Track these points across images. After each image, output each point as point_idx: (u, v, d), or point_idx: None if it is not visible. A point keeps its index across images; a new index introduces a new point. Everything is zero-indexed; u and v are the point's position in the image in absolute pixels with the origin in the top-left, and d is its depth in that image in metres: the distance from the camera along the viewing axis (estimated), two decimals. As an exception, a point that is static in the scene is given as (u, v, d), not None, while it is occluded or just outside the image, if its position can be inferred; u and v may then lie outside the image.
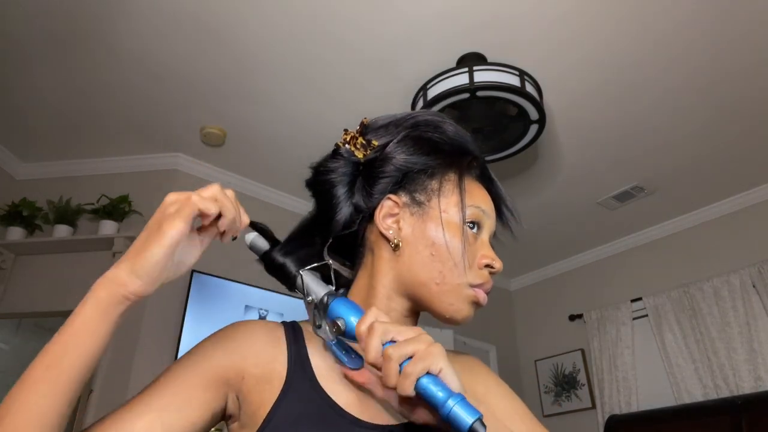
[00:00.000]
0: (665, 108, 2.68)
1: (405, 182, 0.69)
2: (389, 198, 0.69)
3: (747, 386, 3.03)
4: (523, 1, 2.11)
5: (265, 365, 0.64)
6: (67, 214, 2.78)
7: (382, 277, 0.68)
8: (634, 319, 3.68)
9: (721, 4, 2.13)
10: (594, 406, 3.71)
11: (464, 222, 0.67)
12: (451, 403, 0.51)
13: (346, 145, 0.70)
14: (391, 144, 0.69)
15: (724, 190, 3.37)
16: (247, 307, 2.78)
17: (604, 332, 3.77)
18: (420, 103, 2.35)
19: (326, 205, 0.70)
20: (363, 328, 0.55)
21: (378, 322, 0.56)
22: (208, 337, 0.67)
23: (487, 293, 0.68)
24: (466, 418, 0.50)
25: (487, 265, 0.68)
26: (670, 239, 3.71)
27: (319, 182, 0.71)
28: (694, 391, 3.25)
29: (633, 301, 3.71)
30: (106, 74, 2.45)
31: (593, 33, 2.26)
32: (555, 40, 2.29)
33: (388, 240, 0.68)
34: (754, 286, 3.20)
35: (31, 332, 2.70)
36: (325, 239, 0.71)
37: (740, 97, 2.61)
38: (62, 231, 2.74)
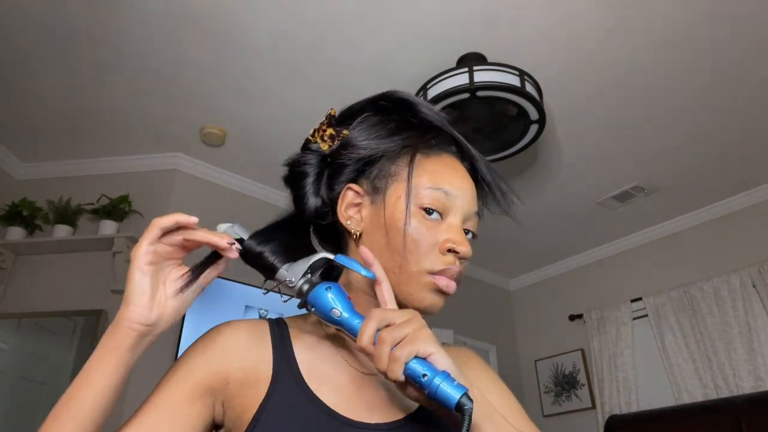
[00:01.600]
0: (665, 108, 2.68)
1: (367, 170, 0.68)
2: (350, 188, 0.67)
3: (747, 386, 3.03)
4: (523, 1, 2.11)
5: (249, 368, 0.63)
6: (67, 214, 2.78)
7: None
8: (634, 319, 3.68)
9: (720, 7, 2.13)
10: (594, 406, 3.71)
11: (408, 205, 0.64)
12: (437, 381, 0.51)
13: (315, 138, 0.69)
14: (351, 132, 0.68)
15: (724, 190, 3.37)
16: (247, 307, 2.78)
17: (604, 332, 3.77)
18: (420, 103, 2.35)
19: (297, 198, 0.69)
20: (365, 341, 0.54)
21: (376, 309, 0.55)
22: (192, 345, 0.66)
23: (456, 280, 0.64)
24: (453, 393, 0.50)
25: (449, 250, 0.64)
26: (670, 239, 3.71)
27: (290, 176, 0.71)
28: (694, 391, 3.25)
29: (633, 301, 3.71)
30: (106, 74, 2.44)
31: (593, 33, 2.26)
32: (555, 41, 2.29)
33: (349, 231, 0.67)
34: (754, 286, 3.20)
35: (31, 332, 2.70)
36: (304, 232, 0.71)
37: (740, 97, 2.61)
38: (62, 231, 2.74)
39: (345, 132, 0.68)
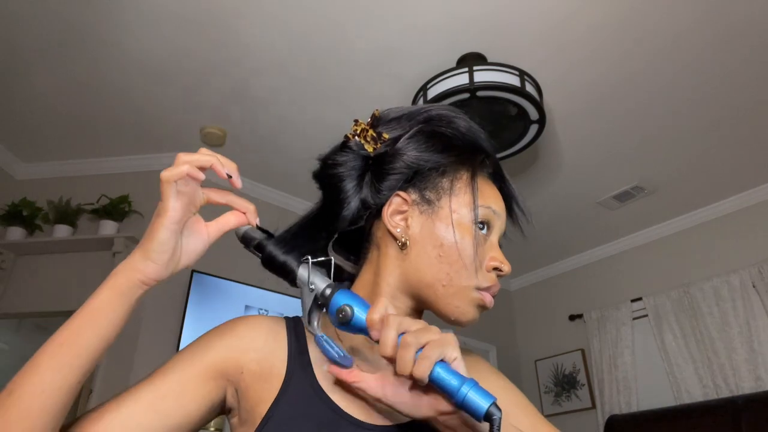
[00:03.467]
0: (665, 108, 2.68)
1: (415, 179, 0.67)
2: (398, 195, 0.67)
3: (747, 386, 3.03)
4: (523, 1, 2.11)
5: (264, 361, 0.64)
6: (67, 214, 2.78)
7: (388, 275, 0.67)
8: (634, 319, 3.68)
9: (722, 6, 2.13)
10: (594, 406, 3.71)
11: (476, 223, 0.65)
12: (465, 389, 0.50)
13: (356, 138, 0.69)
14: (402, 139, 0.68)
15: (724, 190, 3.37)
16: (247, 307, 2.78)
17: (604, 332, 3.77)
18: (420, 103, 2.35)
19: (333, 199, 0.68)
20: (376, 316, 0.54)
21: (392, 315, 0.55)
22: (213, 329, 0.67)
23: (494, 296, 0.66)
24: (482, 402, 0.50)
25: (495, 268, 0.66)
26: (670, 239, 3.71)
27: (327, 176, 0.69)
28: (694, 391, 3.25)
29: (633, 301, 3.71)
30: (106, 74, 2.44)
31: (593, 34, 2.26)
32: (555, 41, 2.29)
33: (395, 238, 0.66)
34: (754, 286, 3.20)
35: (31, 332, 2.70)
36: (330, 234, 0.70)
37: (740, 97, 2.61)
38: (62, 231, 2.74)
39: (385, 135, 0.68)
